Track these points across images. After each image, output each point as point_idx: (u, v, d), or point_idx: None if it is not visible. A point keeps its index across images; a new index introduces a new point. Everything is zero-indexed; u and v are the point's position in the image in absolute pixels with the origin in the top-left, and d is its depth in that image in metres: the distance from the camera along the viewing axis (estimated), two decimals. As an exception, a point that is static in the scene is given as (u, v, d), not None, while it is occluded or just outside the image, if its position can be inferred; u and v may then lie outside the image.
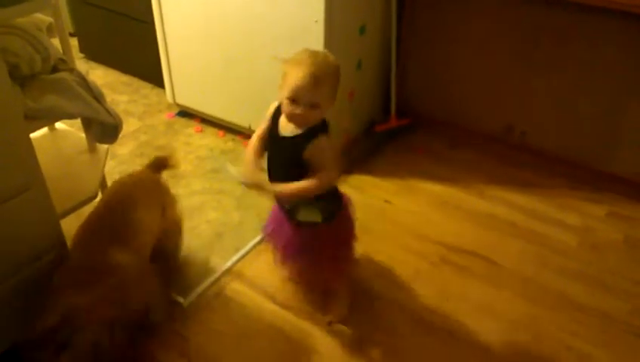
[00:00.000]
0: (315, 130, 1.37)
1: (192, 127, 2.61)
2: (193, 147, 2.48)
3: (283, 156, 1.44)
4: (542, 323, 1.68)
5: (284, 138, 1.41)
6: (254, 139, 1.51)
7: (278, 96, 1.38)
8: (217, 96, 2.49)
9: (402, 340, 1.62)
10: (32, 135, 1.39)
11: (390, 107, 2.52)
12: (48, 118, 1.51)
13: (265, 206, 2.09)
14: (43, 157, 1.40)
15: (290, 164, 1.42)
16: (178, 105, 2.68)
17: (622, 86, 2.08)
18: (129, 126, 2.57)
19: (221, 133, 2.57)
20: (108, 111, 1.62)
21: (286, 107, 1.34)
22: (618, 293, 1.79)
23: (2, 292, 1.38)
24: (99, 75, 3.01)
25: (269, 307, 1.71)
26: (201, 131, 2.59)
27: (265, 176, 1.44)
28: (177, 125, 2.63)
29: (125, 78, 3.02)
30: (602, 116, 2.18)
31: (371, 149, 2.46)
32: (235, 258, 1.88)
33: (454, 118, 2.55)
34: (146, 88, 2.93)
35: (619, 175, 2.22)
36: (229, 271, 1.84)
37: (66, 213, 1.57)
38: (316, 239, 1.55)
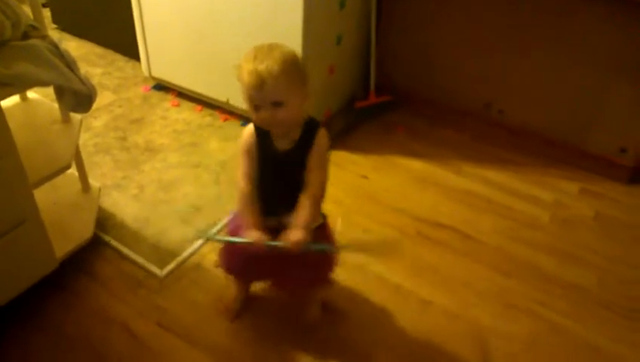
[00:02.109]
0: (310, 130, 1.28)
1: (168, 101, 2.57)
2: (170, 121, 2.44)
3: (286, 171, 1.30)
4: (513, 294, 1.72)
5: (284, 152, 1.28)
6: (242, 182, 1.31)
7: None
8: (194, 69, 2.45)
9: (378, 309, 1.65)
10: (3, 104, 1.35)
11: (370, 83, 2.52)
12: (19, 85, 1.46)
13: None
14: (15, 126, 1.36)
15: (297, 177, 1.29)
16: (154, 78, 2.63)
17: (599, 65, 2.11)
18: (103, 99, 2.52)
19: (199, 107, 2.54)
20: (81, 79, 1.57)
21: (254, 117, 1.24)
22: (587, 267, 1.84)
23: (-26, 262, 1.36)
24: (72, 47, 2.93)
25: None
26: (178, 105, 2.55)
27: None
28: (153, 99, 2.59)
29: (99, 50, 2.95)
30: (578, 95, 2.22)
31: (350, 125, 2.46)
32: (213, 231, 1.88)
33: (434, 96, 2.56)
34: (120, 61, 2.87)
35: (593, 152, 2.26)
36: (206, 244, 1.83)
37: (39, 183, 1.53)
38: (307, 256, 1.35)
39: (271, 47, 1.22)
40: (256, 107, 1.21)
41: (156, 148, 2.26)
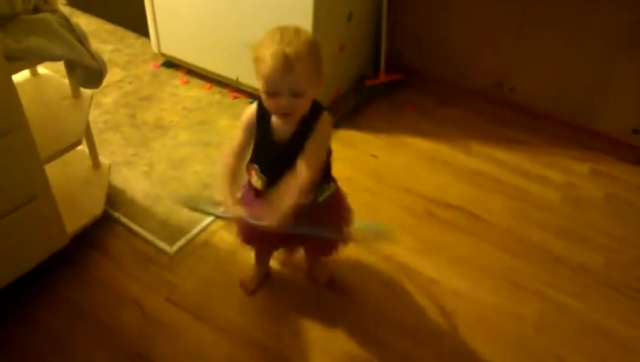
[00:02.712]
0: (310, 117, 1.21)
1: (177, 78, 2.56)
2: (179, 98, 2.44)
3: (286, 160, 1.22)
4: (521, 275, 1.72)
5: (281, 143, 1.23)
6: (229, 157, 1.27)
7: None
8: (204, 47, 2.44)
9: (386, 288, 1.66)
10: (15, 79, 1.35)
11: (380, 62, 2.50)
12: (30, 59, 1.46)
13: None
14: (26, 101, 1.36)
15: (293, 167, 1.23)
16: (163, 55, 2.62)
17: (611, 44, 2.08)
18: (113, 75, 2.52)
19: (208, 85, 2.53)
20: (92, 54, 1.58)
21: (267, 102, 1.15)
22: (596, 248, 1.83)
23: (-13, 237, 1.37)
24: (82, 23, 2.83)
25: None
26: (187, 83, 2.54)
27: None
28: (163, 76, 2.58)
29: (109, 27, 2.93)
30: (590, 74, 2.18)
31: (360, 104, 2.44)
32: (222, 208, 1.88)
33: (445, 75, 2.53)
34: (130, 37, 2.85)
35: (604, 133, 2.24)
36: (216, 221, 1.84)
37: (50, 158, 1.54)
38: (323, 219, 1.34)
39: (297, 30, 1.13)
40: (271, 93, 1.13)
41: (166, 125, 2.26)
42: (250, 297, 1.61)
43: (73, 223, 1.65)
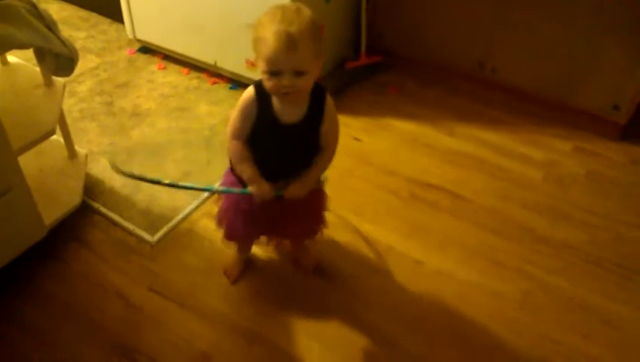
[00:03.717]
0: (318, 98, 1.22)
1: (154, 64, 2.51)
2: (156, 84, 2.39)
3: (294, 147, 1.26)
4: (504, 254, 1.72)
5: (292, 126, 1.22)
6: (238, 142, 1.25)
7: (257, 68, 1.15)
8: (180, 31, 2.38)
9: (372, 271, 1.65)
10: (-18, 68, 1.30)
11: (360, 44, 2.47)
12: (-3, 47, 1.41)
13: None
14: (-5, 90, 1.32)
15: (305, 150, 1.28)
16: (139, 40, 2.56)
17: (594, 22, 2.07)
18: (87, 63, 2.46)
19: (185, 70, 2.48)
20: (62, 41, 1.52)
21: (268, 83, 1.13)
22: (578, 225, 1.84)
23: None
24: (54, 10, 2.84)
25: (239, 243, 1.70)
26: (164, 68, 2.49)
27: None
28: (139, 62, 2.52)
29: (82, 13, 2.86)
30: (572, 52, 2.18)
31: (341, 87, 2.42)
32: (203, 195, 1.86)
33: (426, 56, 2.51)
34: (104, 23, 2.78)
35: (586, 110, 2.24)
36: (197, 209, 1.82)
37: (24, 149, 1.49)
38: (303, 203, 1.35)
39: (299, 9, 1.11)
40: (273, 73, 1.11)
41: (143, 112, 2.22)
42: (235, 285, 1.59)
43: (51, 215, 1.61)
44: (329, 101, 1.25)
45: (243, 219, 1.41)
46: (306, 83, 1.15)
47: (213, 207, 1.79)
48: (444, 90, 2.45)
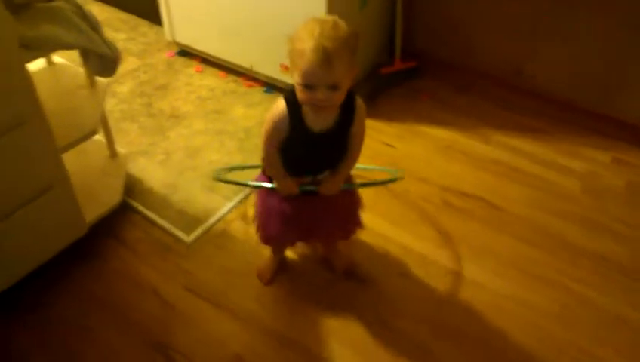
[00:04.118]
0: (348, 103, 1.22)
1: (192, 67, 2.55)
2: (194, 87, 2.43)
3: (324, 150, 1.30)
4: (540, 266, 1.70)
5: (322, 135, 1.24)
6: (271, 150, 1.30)
7: (291, 77, 1.17)
8: (218, 35, 2.42)
9: (404, 278, 1.65)
10: (31, 68, 1.34)
11: (395, 49, 2.46)
12: (44, 48, 1.45)
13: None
14: (42, 91, 1.36)
15: (334, 153, 1.32)
16: (177, 43, 2.61)
17: (635, 32, 2.03)
18: (128, 64, 2.52)
19: (222, 73, 2.51)
20: (105, 42, 1.57)
21: (302, 94, 1.15)
22: (617, 238, 1.80)
23: (5, 230, 1.38)
24: (95, 12, 2.83)
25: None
26: (202, 71, 2.53)
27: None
28: (177, 65, 2.57)
29: (123, 16, 2.93)
30: (613, 62, 2.14)
31: (375, 93, 2.42)
32: (238, 198, 1.88)
33: (462, 62, 2.49)
34: (144, 26, 2.84)
35: (626, 121, 2.19)
36: (232, 210, 1.84)
37: (67, 148, 1.54)
38: (337, 203, 1.43)
39: (336, 23, 1.12)
40: (308, 86, 1.12)
41: (181, 114, 2.26)
42: (268, 286, 1.61)
43: (91, 213, 1.66)
44: (359, 104, 1.27)
45: (278, 221, 1.43)
46: (340, 96, 1.16)
47: (248, 209, 1.82)
48: (480, 97, 2.42)
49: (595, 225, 1.84)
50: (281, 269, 1.65)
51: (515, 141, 2.19)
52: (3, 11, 1.21)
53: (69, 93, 1.74)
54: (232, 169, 1.86)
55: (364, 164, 1.46)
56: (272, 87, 2.41)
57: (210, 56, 2.53)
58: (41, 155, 1.41)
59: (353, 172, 1.45)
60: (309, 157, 1.32)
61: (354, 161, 1.36)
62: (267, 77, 2.40)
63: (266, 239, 1.52)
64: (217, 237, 1.75)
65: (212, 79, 2.48)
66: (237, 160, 2.04)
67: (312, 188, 1.35)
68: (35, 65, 1.75)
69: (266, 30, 2.22)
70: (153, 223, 1.78)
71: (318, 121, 1.23)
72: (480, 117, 2.32)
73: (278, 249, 1.62)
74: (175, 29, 2.55)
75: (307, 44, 1.08)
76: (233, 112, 2.29)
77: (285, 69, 2.27)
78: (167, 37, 2.60)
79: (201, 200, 1.87)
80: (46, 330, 1.49)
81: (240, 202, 1.86)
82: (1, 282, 1.44)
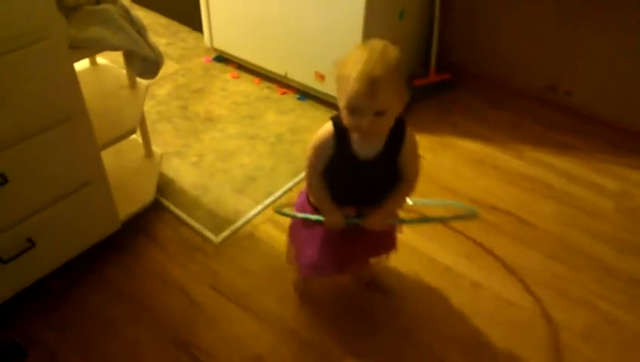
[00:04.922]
0: (397, 131, 1.19)
1: (228, 73, 2.61)
2: (229, 92, 2.48)
3: (369, 179, 1.25)
4: (568, 283, 1.67)
5: (367, 162, 1.21)
6: (315, 179, 1.26)
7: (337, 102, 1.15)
8: (255, 42, 2.47)
9: (428, 291, 1.64)
10: (76, 68, 1.40)
11: (430, 61, 2.47)
12: (92, 48, 1.51)
13: (297, 153, 2.11)
14: (85, 90, 1.42)
15: (379, 183, 1.26)
16: (215, 49, 2.68)
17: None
18: (167, 68, 2.59)
19: (257, 80, 2.56)
20: (150, 45, 1.63)
21: (347, 120, 1.12)
22: (650, 259, 1.76)
23: (43, 221, 1.44)
24: (139, 17, 3.01)
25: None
26: (238, 77, 2.59)
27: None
28: (214, 70, 2.64)
29: (164, 21, 3.02)
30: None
31: (408, 103, 2.41)
32: (267, 201, 1.91)
33: (497, 75, 2.48)
34: (184, 32, 2.93)
35: (663, 141, 2.15)
36: (260, 213, 1.87)
37: (107, 145, 1.60)
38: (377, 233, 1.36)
39: (384, 50, 1.09)
40: (353, 111, 1.10)
41: (215, 118, 2.31)
42: (292, 290, 1.62)
43: (125, 209, 1.71)
44: (409, 134, 1.22)
45: (319, 248, 1.38)
46: (386, 123, 1.13)
47: (276, 214, 1.84)
48: (514, 112, 2.40)
49: (627, 244, 1.80)
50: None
51: (548, 157, 2.16)
52: (56, 13, 1.27)
53: (111, 93, 1.80)
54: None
55: (406, 193, 1.30)
56: (305, 94, 2.45)
57: (246, 62, 2.59)
58: (82, 151, 1.47)
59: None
60: (353, 185, 1.26)
61: (402, 196, 1.28)
62: (301, 84, 2.44)
63: (307, 270, 1.45)
64: (245, 239, 1.78)
65: (247, 85, 2.53)
66: (268, 164, 2.08)
67: (357, 221, 1.27)
68: (80, 66, 1.83)
69: (302, 39, 2.26)
70: (183, 222, 1.83)
71: (365, 148, 1.20)
72: (513, 132, 2.30)
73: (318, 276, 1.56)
74: (214, 35, 2.62)
75: (352, 71, 1.07)
76: (266, 118, 2.33)
77: (320, 77, 2.31)
78: (206, 43, 2.67)
79: (231, 202, 1.90)
80: (70, 320, 1.53)
81: (267, 206, 1.89)
82: (36, 272, 1.50)
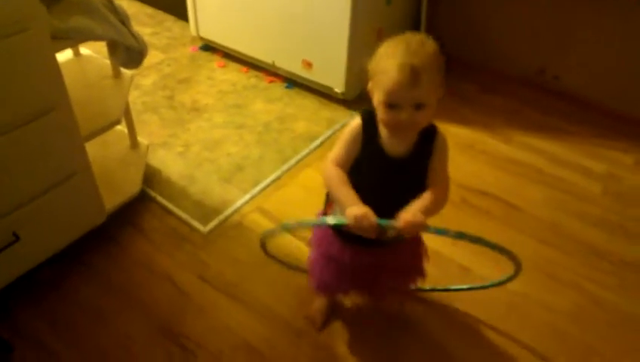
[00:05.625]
0: (428, 133, 1.13)
1: (215, 62, 2.59)
2: (216, 81, 2.46)
3: (397, 182, 1.15)
4: (557, 266, 1.67)
5: (396, 160, 1.14)
6: (336, 171, 1.14)
7: (373, 99, 1.09)
8: (241, 30, 2.45)
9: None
10: (58, 59, 1.38)
11: (418, 47, 2.45)
12: (75, 38, 1.49)
13: (284, 142, 2.10)
14: (68, 80, 1.39)
15: (408, 188, 1.14)
16: (202, 38, 2.65)
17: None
18: (152, 58, 2.56)
19: (245, 68, 2.54)
20: (133, 35, 1.60)
21: (385, 115, 1.07)
22: (636, 240, 1.77)
23: (28, 214, 1.42)
24: (123, 7, 2.97)
25: (287, 238, 1.73)
26: (224, 66, 2.56)
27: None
28: (200, 59, 2.61)
29: (149, 10, 2.98)
30: (637, 63, 2.10)
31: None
32: (254, 190, 1.90)
33: (486, 60, 2.47)
34: (169, 21, 2.90)
35: (651, 124, 2.15)
36: (248, 203, 1.86)
37: (91, 136, 1.58)
38: (400, 257, 1.32)
39: (423, 41, 1.05)
40: (391, 106, 1.05)
41: (202, 107, 2.29)
42: (282, 279, 1.61)
43: (111, 201, 1.70)
44: (440, 137, 1.15)
45: (334, 269, 1.32)
46: (425, 117, 1.07)
47: (263, 202, 1.84)
48: (502, 97, 2.40)
49: (616, 227, 1.81)
50: (333, 313, 1.54)
51: (537, 141, 2.17)
52: (37, 4, 1.25)
53: (94, 83, 1.78)
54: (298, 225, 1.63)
55: (438, 201, 1.15)
56: (293, 82, 2.43)
57: (233, 51, 2.56)
58: (66, 142, 1.45)
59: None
60: (380, 188, 1.15)
61: (432, 202, 1.12)
62: (289, 72, 2.42)
63: (320, 288, 1.40)
64: (233, 229, 1.77)
65: (234, 74, 2.51)
66: (255, 153, 2.06)
67: (387, 222, 1.06)
68: (63, 56, 1.80)
69: (290, 26, 2.24)
70: (170, 213, 1.81)
71: (394, 145, 1.13)
72: (502, 117, 2.30)
73: (329, 295, 1.51)
74: (200, 24, 2.59)
75: (392, 61, 1.02)
76: (253, 107, 2.31)
77: (307, 65, 2.29)
78: (192, 32, 2.64)
79: (218, 191, 1.89)
80: (60, 312, 1.52)
81: (255, 195, 1.88)
82: (22, 265, 1.49)
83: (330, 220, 1.12)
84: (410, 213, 1.06)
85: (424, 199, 1.11)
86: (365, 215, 1.05)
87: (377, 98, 1.07)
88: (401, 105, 1.04)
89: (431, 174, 1.16)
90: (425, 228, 1.07)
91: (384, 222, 1.05)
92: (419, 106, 1.04)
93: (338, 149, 1.17)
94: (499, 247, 1.18)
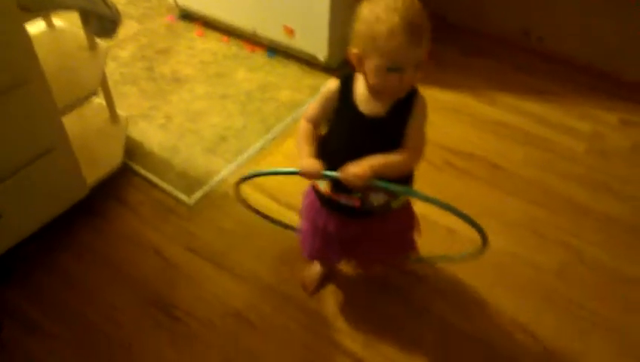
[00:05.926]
0: (408, 92, 1.09)
1: (193, 31, 2.53)
2: (196, 51, 2.41)
3: (372, 141, 1.11)
4: (543, 224, 1.69)
5: (371, 120, 1.10)
6: (303, 126, 1.16)
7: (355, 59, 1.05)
8: (220, -2, 2.39)
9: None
10: (31, 31, 1.33)
11: (400, 10, 2.41)
12: (43, 8, 1.44)
13: (268, 111, 2.08)
14: (42, 53, 1.35)
15: (384, 148, 1.09)
16: (179, 7, 2.58)
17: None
18: (129, 29, 2.50)
19: (224, 37, 2.49)
20: (106, 3, 1.55)
21: (381, 80, 1.02)
22: (621, 197, 1.79)
23: (7, 190, 1.39)
24: None
25: (274, 207, 1.72)
26: (204, 35, 2.51)
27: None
28: (179, 29, 2.55)
29: (124, -20, 2.89)
30: (622, 23, 2.08)
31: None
32: (239, 160, 1.88)
33: (468, 22, 2.44)
34: (145, -10, 2.81)
35: (635, 82, 2.15)
36: (233, 173, 1.84)
37: (67, 109, 1.54)
38: (388, 227, 1.29)
39: None
40: (394, 69, 1.00)
41: (183, 78, 2.25)
42: (269, 246, 1.61)
43: (92, 174, 1.67)
44: (420, 99, 1.12)
45: (322, 239, 1.32)
46: (417, 76, 1.03)
47: (248, 171, 1.82)
48: (486, 59, 2.38)
49: (599, 184, 1.83)
50: (326, 279, 1.54)
51: (522, 102, 2.16)
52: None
53: (69, 55, 1.73)
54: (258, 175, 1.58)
55: (404, 161, 1.12)
56: (274, 50, 2.39)
57: (213, 19, 2.50)
58: (41, 116, 1.41)
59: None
60: (355, 147, 1.10)
61: (395, 162, 1.09)
62: (270, 40, 2.37)
63: (310, 255, 1.41)
64: (218, 199, 1.75)
65: (214, 43, 2.46)
66: (238, 123, 2.04)
67: (335, 174, 1.06)
68: (36, 29, 1.75)
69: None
70: (154, 185, 1.79)
71: (372, 105, 1.10)
72: (486, 79, 2.28)
73: (323, 263, 1.52)
74: (177, -7, 2.52)
75: (390, 23, 0.96)
76: (235, 76, 2.27)
77: (289, 32, 2.25)
78: (170, 0, 2.57)
79: (202, 162, 1.87)
80: (47, 288, 1.51)
81: (240, 165, 1.86)
82: (5, 241, 1.47)
83: (285, 170, 1.20)
84: (357, 166, 1.04)
85: (386, 156, 1.08)
86: (312, 165, 1.07)
87: (373, 63, 1.01)
88: (404, 66, 0.99)
89: (407, 134, 1.11)
90: (370, 182, 1.04)
91: (329, 173, 1.07)
92: (418, 66, 1.01)
93: (312, 106, 1.17)
94: (468, 218, 1.18)
